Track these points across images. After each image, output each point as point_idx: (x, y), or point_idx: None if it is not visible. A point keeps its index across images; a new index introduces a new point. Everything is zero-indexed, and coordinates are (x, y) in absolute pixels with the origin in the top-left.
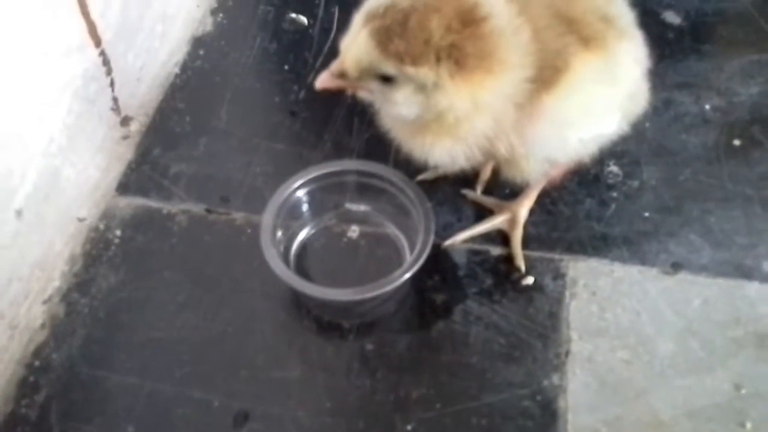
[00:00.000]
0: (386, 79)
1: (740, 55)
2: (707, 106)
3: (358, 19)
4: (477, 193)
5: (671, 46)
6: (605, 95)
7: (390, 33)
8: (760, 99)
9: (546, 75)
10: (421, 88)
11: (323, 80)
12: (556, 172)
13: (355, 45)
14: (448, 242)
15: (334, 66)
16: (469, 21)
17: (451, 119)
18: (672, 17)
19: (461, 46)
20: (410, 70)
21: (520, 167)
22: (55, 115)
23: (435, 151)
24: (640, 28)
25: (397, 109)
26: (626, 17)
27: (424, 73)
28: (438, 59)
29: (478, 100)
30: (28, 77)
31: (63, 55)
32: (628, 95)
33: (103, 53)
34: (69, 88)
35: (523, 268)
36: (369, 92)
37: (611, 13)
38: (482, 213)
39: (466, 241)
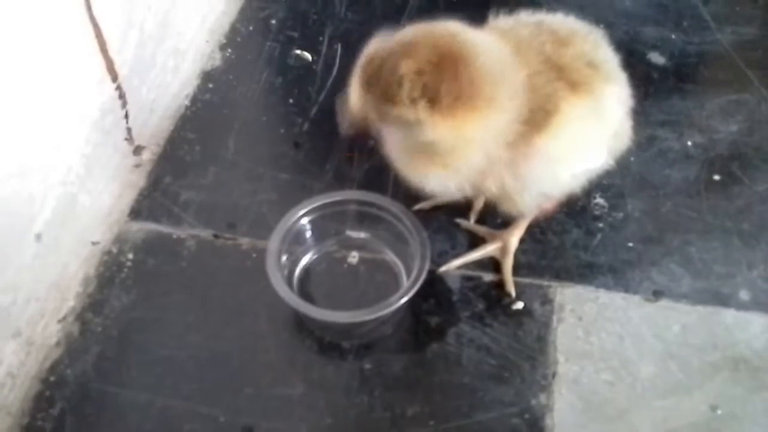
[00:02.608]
0: (381, 119)
1: (720, 95)
2: (689, 143)
3: (355, 69)
4: (470, 223)
5: (656, 85)
6: (592, 134)
7: (371, 81)
8: (739, 137)
9: (538, 117)
10: (409, 124)
11: (344, 128)
12: (549, 205)
13: (352, 95)
14: (443, 268)
15: (347, 113)
16: (445, 63)
17: (444, 149)
18: (657, 58)
19: (434, 87)
20: (392, 111)
21: (514, 201)
22: (74, 145)
23: (429, 180)
24: (627, 68)
25: (399, 142)
26: (611, 62)
27: (404, 112)
28: (412, 100)
29: (465, 136)
30: (50, 111)
31: (83, 90)
32: (613, 133)
33: (119, 87)
34: (87, 120)
35: (513, 293)
36: (377, 130)
37: (597, 59)
38: (475, 241)
39: (459, 267)
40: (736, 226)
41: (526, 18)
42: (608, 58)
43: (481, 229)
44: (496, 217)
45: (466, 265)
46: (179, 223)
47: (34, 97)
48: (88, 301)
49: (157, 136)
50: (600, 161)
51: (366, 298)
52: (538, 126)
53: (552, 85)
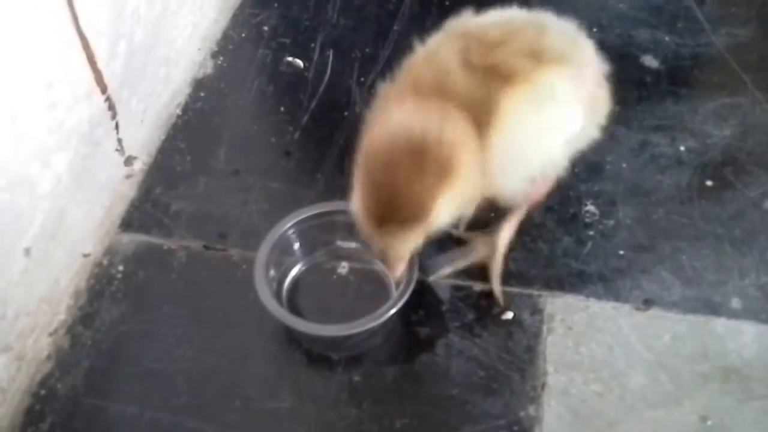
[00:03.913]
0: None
1: (714, 98)
2: (682, 148)
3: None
4: (460, 230)
5: (649, 89)
6: (544, 116)
7: (386, 216)
8: (732, 141)
9: (485, 119)
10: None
11: (398, 271)
12: (539, 190)
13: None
14: (432, 277)
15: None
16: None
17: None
18: (650, 61)
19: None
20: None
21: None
22: (63, 158)
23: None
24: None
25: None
26: (559, 44)
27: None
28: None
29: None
30: (38, 125)
31: (71, 103)
32: (589, 99)
33: (108, 99)
34: (76, 132)
35: (501, 300)
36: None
37: (541, 47)
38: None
39: (449, 275)
40: (729, 232)
41: (475, 21)
42: (555, 43)
43: (470, 235)
44: (485, 225)
45: (455, 275)
46: (170, 234)
47: (20, 110)
48: (79, 314)
49: (149, 146)
50: (577, 126)
51: (356, 309)
52: (489, 125)
53: (486, 86)
